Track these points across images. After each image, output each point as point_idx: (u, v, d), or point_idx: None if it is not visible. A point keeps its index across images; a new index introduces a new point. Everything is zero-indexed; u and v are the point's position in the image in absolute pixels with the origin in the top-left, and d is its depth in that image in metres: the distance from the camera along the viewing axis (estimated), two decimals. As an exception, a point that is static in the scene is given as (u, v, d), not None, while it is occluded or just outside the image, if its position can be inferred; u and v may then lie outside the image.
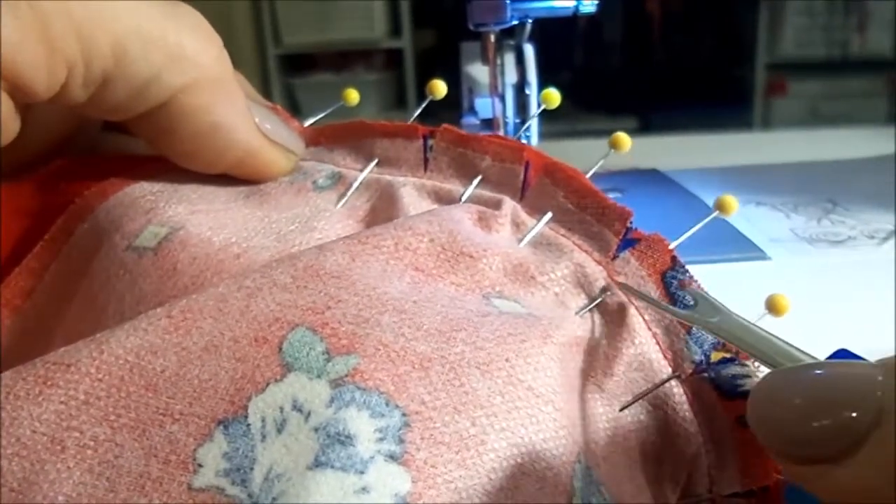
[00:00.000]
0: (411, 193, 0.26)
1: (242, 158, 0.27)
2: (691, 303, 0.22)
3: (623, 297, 0.23)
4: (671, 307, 0.22)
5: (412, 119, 0.28)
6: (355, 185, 0.27)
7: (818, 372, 0.16)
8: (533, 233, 0.24)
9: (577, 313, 0.22)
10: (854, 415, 0.15)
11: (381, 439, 0.17)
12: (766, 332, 0.20)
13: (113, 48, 0.22)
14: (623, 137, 0.26)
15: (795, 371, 0.17)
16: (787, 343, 0.20)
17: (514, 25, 0.42)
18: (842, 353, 0.19)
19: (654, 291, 0.23)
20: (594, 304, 0.23)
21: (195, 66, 0.24)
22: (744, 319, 0.21)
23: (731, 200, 0.24)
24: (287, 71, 2.13)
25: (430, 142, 0.27)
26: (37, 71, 0.21)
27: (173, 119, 0.25)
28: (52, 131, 0.28)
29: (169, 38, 0.23)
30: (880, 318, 0.33)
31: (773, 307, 0.22)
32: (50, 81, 0.22)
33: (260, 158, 0.27)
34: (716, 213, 0.24)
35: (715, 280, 0.24)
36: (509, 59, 0.46)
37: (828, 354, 0.19)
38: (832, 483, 0.15)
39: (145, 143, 0.27)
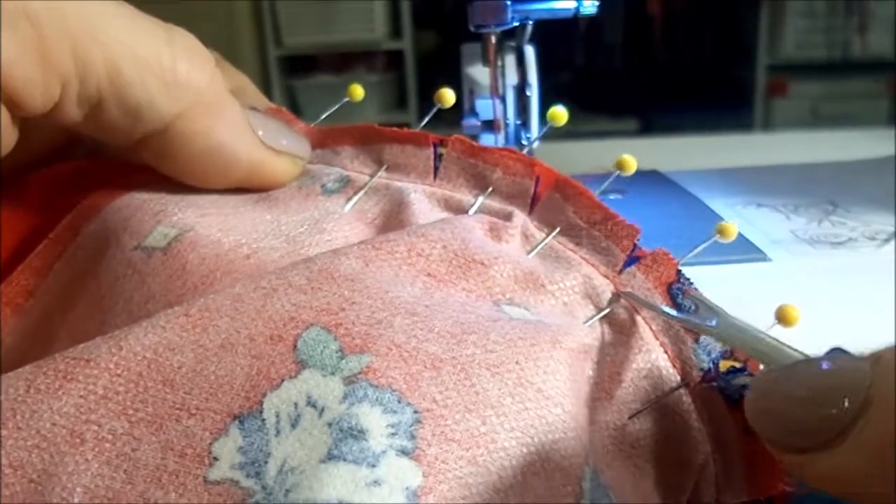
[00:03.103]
0: (421, 200, 0.26)
1: (248, 174, 0.27)
2: (692, 308, 0.23)
3: (630, 308, 0.23)
4: (671, 312, 0.22)
5: (420, 126, 0.28)
6: (364, 189, 0.27)
7: (811, 366, 0.17)
8: (542, 245, 0.25)
9: (585, 322, 0.23)
10: (845, 404, 0.16)
11: (393, 434, 0.17)
12: (763, 333, 0.21)
13: (108, 68, 0.23)
14: (629, 160, 0.26)
15: (790, 366, 0.18)
16: (783, 343, 0.20)
17: (515, 27, 0.42)
18: (836, 352, 0.19)
19: (660, 303, 0.23)
20: (603, 313, 0.23)
21: (189, 91, 0.24)
22: (741, 322, 0.21)
23: (732, 228, 0.24)
24: (288, 72, 2.13)
25: (440, 150, 0.27)
26: (32, 86, 0.21)
27: (173, 144, 0.25)
28: (55, 137, 0.28)
29: (164, 63, 0.24)
30: (881, 319, 0.33)
31: (783, 318, 0.22)
32: (44, 97, 0.22)
33: (266, 171, 0.27)
34: (716, 237, 0.24)
35: (715, 281, 0.24)
36: (510, 60, 0.46)
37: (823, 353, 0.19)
38: (821, 469, 0.16)
39: (152, 166, 0.27)
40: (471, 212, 0.26)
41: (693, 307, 0.23)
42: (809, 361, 0.18)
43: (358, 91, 0.31)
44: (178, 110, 0.24)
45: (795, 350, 0.20)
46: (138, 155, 0.26)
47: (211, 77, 0.25)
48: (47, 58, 0.21)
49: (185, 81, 0.24)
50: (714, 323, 0.22)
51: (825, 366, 0.17)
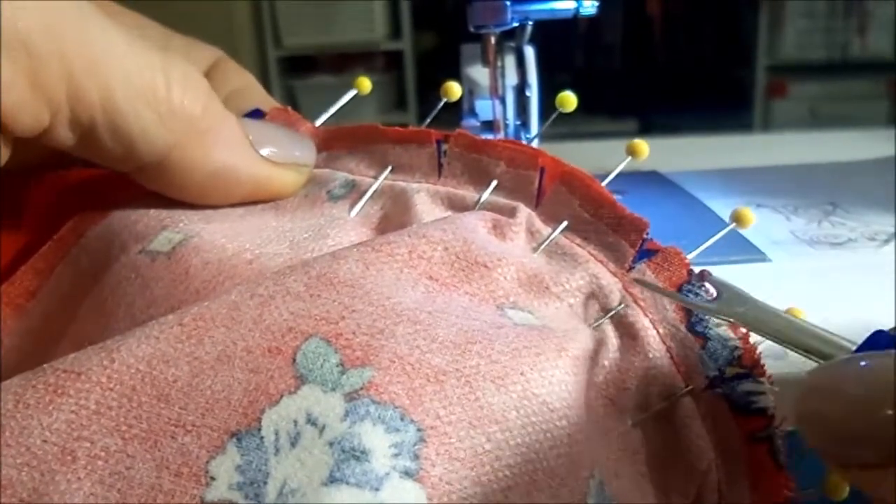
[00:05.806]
0: (424, 200, 0.26)
1: (252, 190, 0.27)
2: (713, 295, 0.22)
3: (638, 310, 0.22)
4: (695, 301, 0.22)
5: (425, 124, 0.28)
6: (368, 193, 0.26)
7: (867, 363, 0.15)
8: (548, 242, 0.24)
9: (591, 325, 0.22)
10: None
11: (397, 455, 0.17)
12: (797, 319, 0.20)
13: (101, 97, 0.22)
14: (641, 144, 0.25)
15: (843, 364, 0.16)
16: (820, 328, 0.19)
17: (515, 27, 0.42)
18: (878, 335, 0.17)
19: (669, 305, 0.22)
20: (608, 316, 0.22)
21: (184, 121, 0.24)
22: (773, 308, 0.20)
23: (748, 213, 0.24)
24: (287, 73, 2.13)
25: (444, 147, 0.27)
26: (20, 110, 0.21)
27: (173, 173, 0.25)
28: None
29: (159, 93, 0.23)
30: (881, 320, 0.33)
31: None
32: (32, 121, 0.22)
33: (271, 186, 0.27)
34: (732, 226, 0.24)
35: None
36: (510, 61, 0.46)
37: (864, 338, 0.18)
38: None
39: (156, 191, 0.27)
40: (476, 208, 0.25)
41: (715, 293, 0.22)
42: (861, 358, 0.15)
43: (365, 84, 0.31)
44: (173, 141, 0.24)
45: (835, 335, 0.18)
46: (143, 182, 0.26)
47: (205, 103, 0.25)
48: (38, 84, 0.21)
49: (179, 111, 0.24)
50: (742, 310, 0.20)
51: (882, 363, 0.15)
